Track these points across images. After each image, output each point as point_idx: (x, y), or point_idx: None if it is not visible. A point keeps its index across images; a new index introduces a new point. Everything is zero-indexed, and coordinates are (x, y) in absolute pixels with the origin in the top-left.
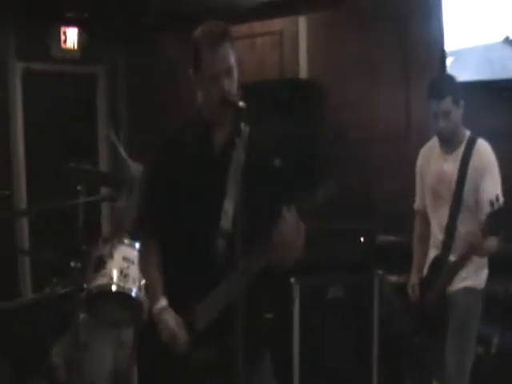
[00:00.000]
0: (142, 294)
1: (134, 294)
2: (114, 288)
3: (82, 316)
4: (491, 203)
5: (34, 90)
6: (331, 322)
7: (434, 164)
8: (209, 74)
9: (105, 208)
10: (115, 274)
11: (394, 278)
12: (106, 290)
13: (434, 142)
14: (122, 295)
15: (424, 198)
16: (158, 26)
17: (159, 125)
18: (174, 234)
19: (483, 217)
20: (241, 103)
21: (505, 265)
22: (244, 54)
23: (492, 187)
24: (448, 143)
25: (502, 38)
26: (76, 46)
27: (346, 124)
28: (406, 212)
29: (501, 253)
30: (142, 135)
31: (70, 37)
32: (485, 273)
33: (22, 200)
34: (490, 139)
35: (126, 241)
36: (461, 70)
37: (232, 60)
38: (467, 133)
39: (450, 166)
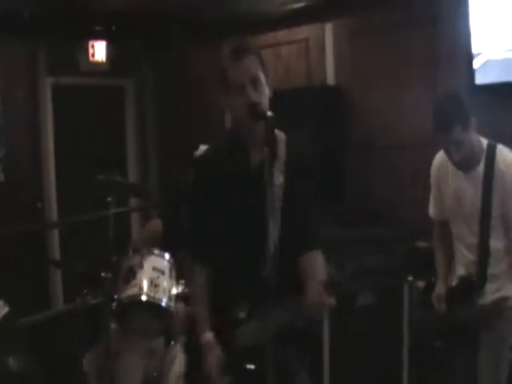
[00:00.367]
0: (172, 303)
1: (164, 304)
2: (144, 298)
3: (112, 326)
4: None
5: (63, 103)
6: (361, 330)
7: (452, 181)
8: (234, 85)
9: (134, 219)
10: (145, 284)
11: (422, 285)
12: (136, 300)
13: None
14: (153, 305)
15: (441, 206)
16: (185, 39)
17: (187, 137)
18: (221, 258)
19: None
20: (269, 113)
21: None
22: (270, 62)
23: None
24: (465, 166)
25: None
26: (104, 60)
27: (372, 131)
28: None
29: None
30: (170, 148)
31: (99, 50)
32: None
33: (52, 212)
34: None
35: (156, 251)
36: (488, 73)
37: (257, 72)
38: (484, 142)
39: (472, 184)
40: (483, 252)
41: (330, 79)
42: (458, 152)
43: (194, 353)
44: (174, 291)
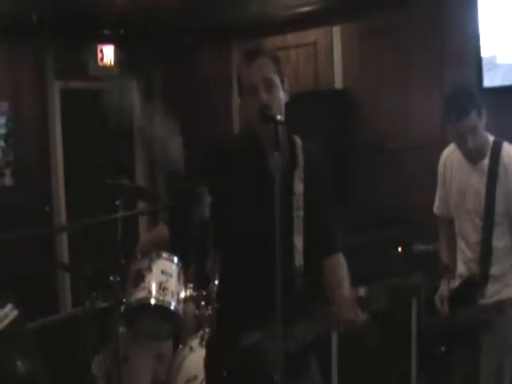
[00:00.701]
0: (181, 307)
1: (172, 308)
2: (152, 301)
3: (121, 329)
4: None
5: (71, 107)
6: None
7: (457, 174)
8: (246, 86)
9: (142, 222)
10: (154, 287)
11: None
12: (145, 303)
13: (455, 148)
14: (161, 308)
15: (447, 203)
16: (194, 43)
17: (195, 141)
18: (240, 264)
19: None
20: (279, 117)
21: None
22: None
23: None
24: (473, 156)
25: None
26: (113, 63)
27: (380, 133)
28: None
29: None
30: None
31: (107, 54)
32: None
33: (61, 215)
34: None
35: (165, 254)
36: (498, 76)
37: (270, 74)
38: (491, 138)
39: (476, 178)
40: (486, 249)
41: (338, 82)
42: (473, 138)
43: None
44: (183, 295)
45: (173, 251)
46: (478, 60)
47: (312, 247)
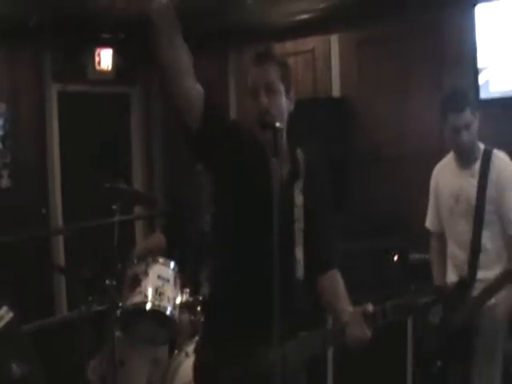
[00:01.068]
0: (177, 312)
1: (168, 313)
2: (148, 306)
3: (117, 334)
4: None
5: (69, 110)
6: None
7: (450, 180)
8: (249, 89)
9: (139, 227)
10: (150, 292)
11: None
12: (141, 308)
13: (448, 159)
14: (157, 313)
15: (439, 216)
16: (193, 48)
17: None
18: (248, 283)
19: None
20: (278, 124)
21: None
22: None
23: None
24: (465, 158)
25: None
26: (111, 68)
27: (378, 142)
28: None
29: None
30: (175, 156)
31: (105, 58)
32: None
33: (57, 218)
34: None
35: (161, 260)
36: (495, 86)
37: (274, 79)
38: (481, 146)
39: (468, 181)
40: (476, 248)
41: (336, 90)
42: (467, 134)
43: None
44: (179, 300)
45: (169, 257)
46: (475, 71)
47: (309, 261)
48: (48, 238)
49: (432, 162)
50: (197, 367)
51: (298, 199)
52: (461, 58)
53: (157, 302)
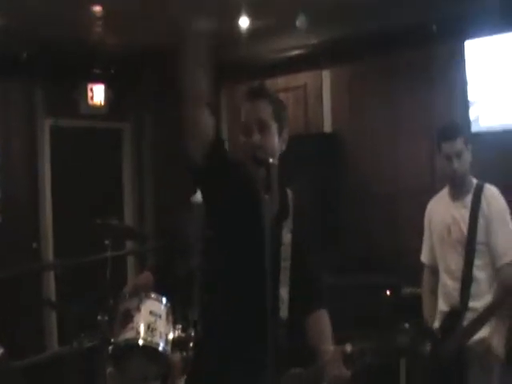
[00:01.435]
0: (169, 348)
1: (161, 349)
2: (141, 342)
3: (109, 370)
4: None
5: (61, 145)
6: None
7: (443, 212)
8: (242, 123)
9: (131, 262)
10: (142, 328)
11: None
12: (133, 343)
13: (442, 193)
14: (149, 349)
15: (433, 250)
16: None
17: (184, 182)
18: (234, 319)
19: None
20: (271, 160)
21: None
22: None
23: (504, 236)
24: (458, 188)
25: None
26: (103, 103)
27: (370, 177)
28: None
29: None
30: (166, 192)
31: (97, 93)
32: None
33: (48, 253)
34: None
35: (153, 295)
36: (485, 120)
37: (266, 116)
38: (474, 180)
39: (460, 212)
40: (467, 277)
41: (328, 126)
42: (459, 162)
43: None
44: (171, 336)
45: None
46: (466, 105)
47: (296, 300)
48: (39, 272)
49: (424, 198)
50: None
51: (286, 238)
52: (451, 93)
53: (149, 338)
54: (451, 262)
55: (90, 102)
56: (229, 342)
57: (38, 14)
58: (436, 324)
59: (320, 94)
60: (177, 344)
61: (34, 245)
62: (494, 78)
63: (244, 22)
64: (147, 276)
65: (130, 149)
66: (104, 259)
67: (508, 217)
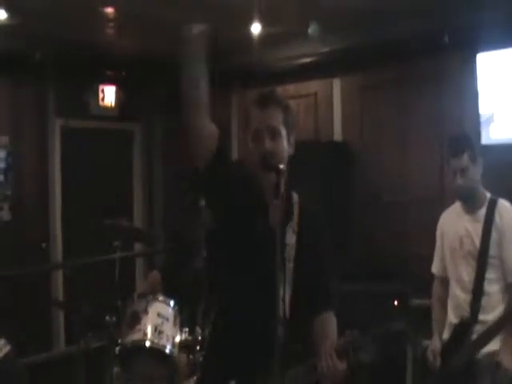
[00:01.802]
0: (176, 350)
1: (167, 351)
2: (148, 344)
3: (115, 370)
4: None
5: (72, 145)
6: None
7: (455, 224)
8: (254, 130)
9: (139, 263)
10: (149, 330)
11: (427, 342)
12: (140, 345)
13: (455, 206)
14: (156, 351)
15: (444, 260)
16: None
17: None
18: (233, 316)
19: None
20: (281, 166)
21: None
22: None
23: None
24: (469, 203)
25: None
26: (114, 104)
27: (379, 186)
28: None
29: None
30: (176, 194)
31: (108, 95)
32: None
33: (57, 253)
34: None
35: (161, 298)
36: (497, 133)
37: (277, 123)
38: (488, 194)
39: (473, 225)
40: (478, 290)
41: (338, 134)
42: (463, 178)
43: None
44: (178, 338)
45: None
46: (477, 117)
47: (304, 302)
48: (48, 272)
49: (433, 208)
50: None
51: (290, 239)
52: (462, 105)
53: (156, 340)
54: (462, 273)
55: (100, 103)
56: (233, 342)
57: (50, 15)
58: (445, 335)
59: (330, 102)
60: (183, 346)
61: (43, 245)
62: (505, 91)
63: (256, 29)
64: (155, 275)
65: (140, 150)
66: (112, 260)
67: None
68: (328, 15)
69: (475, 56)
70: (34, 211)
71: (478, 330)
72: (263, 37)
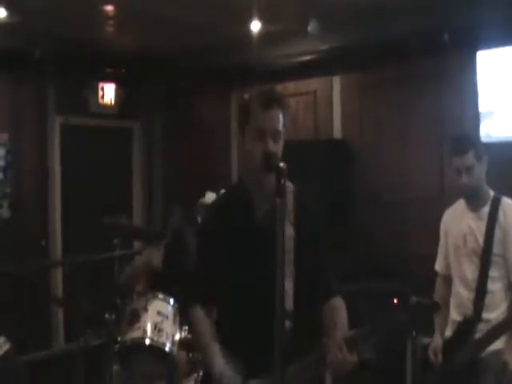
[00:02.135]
0: (176, 348)
1: (167, 349)
2: (147, 342)
3: (115, 368)
4: None
5: (71, 143)
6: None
7: (459, 221)
8: (257, 130)
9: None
10: (149, 327)
11: (427, 340)
12: (139, 343)
13: (459, 204)
14: (156, 349)
15: (447, 258)
16: (194, 85)
17: (193, 181)
18: (235, 310)
19: None
20: (282, 164)
21: None
22: None
23: None
24: (473, 200)
25: None
26: (113, 102)
27: (379, 185)
28: None
29: None
30: (176, 189)
31: (108, 92)
32: None
33: (56, 251)
34: None
35: (161, 296)
36: (497, 131)
37: (279, 125)
38: (491, 192)
39: (477, 223)
40: (481, 288)
41: (337, 132)
42: (468, 176)
43: None
44: (178, 336)
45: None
46: (477, 115)
47: (309, 292)
48: (47, 269)
49: (433, 207)
50: None
51: (288, 230)
52: (462, 103)
53: (156, 338)
54: (466, 271)
55: (100, 100)
56: (235, 336)
57: (50, 12)
58: (447, 333)
59: (330, 100)
60: (183, 345)
61: (43, 242)
62: (505, 89)
63: (256, 27)
64: (149, 252)
65: (139, 148)
66: (112, 258)
67: None
68: (328, 13)
69: (475, 54)
70: (34, 209)
71: (481, 328)
72: (263, 34)
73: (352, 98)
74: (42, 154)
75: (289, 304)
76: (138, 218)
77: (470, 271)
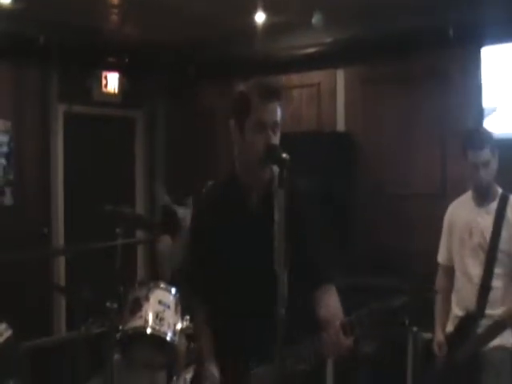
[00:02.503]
0: (177, 338)
1: (168, 338)
2: (149, 331)
3: (115, 356)
4: None
5: (74, 131)
6: (363, 377)
7: (465, 216)
8: (257, 123)
9: (141, 250)
10: (151, 317)
11: (428, 335)
12: (140, 332)
13: (465, 197)
14: (157, 338)
15: (450, 251)
16: (197, 75)
17: (196, 171)
18: (230, 299)
19: None
20: (284, 155)
21: None
22: None
23: None
24: (483, 196)
25: None
26: (116, 91)
27: (382, 178)
28: None
29: None
30: (178, 179)
31: (111, 81)
32: None
33: (59, 239)
34: None
35: (163, 285)
36: (500, 127)
37: (279, 117)
38: (499, 189)
39: (484, 218)
40: (485, 283)
41: (341, 125)
42: (486, 170)
43: None
44: (179, 326)
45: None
46: (480, 111)
47: (300, 280)
48: (49, 257)
49: (435, 201)
50: None
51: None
52: (466, 99)
53: (157, 327)
54: (469, 266)
55: (103, 89)
56: (231, 323)
57: (54, 0)
58: (449, 327)
59: (334, 92)
60: (184, 334)
61: (45, 230)
62: (509, 85)
63: (260, 18)
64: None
65: (142, 137)
66: (114, 246)
67: None
68: (332, 5)
69: (479, 50)
70: (36, 196)
71: (483, 323)
72: (267, 26)
73: (356, 91)
74: (45, 142)
75: (283, 290)
76: (140, 207)
77: (473, 266)
